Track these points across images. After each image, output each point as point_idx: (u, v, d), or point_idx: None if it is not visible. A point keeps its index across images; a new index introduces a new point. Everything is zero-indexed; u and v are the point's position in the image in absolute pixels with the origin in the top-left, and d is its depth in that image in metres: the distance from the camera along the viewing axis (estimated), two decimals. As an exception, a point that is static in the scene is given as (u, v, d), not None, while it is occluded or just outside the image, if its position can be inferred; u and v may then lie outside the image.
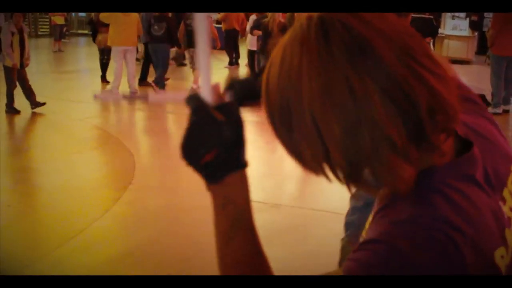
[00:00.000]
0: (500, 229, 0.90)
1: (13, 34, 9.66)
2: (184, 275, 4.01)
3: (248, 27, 14.06)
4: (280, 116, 0.88)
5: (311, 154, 0.87)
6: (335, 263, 4.36)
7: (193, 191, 6.16)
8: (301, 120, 0.84)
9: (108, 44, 12.07)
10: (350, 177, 0.87)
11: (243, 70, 15.66)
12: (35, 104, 9.91)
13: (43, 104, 9.92)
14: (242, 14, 15.79)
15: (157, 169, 7.00)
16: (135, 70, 12.31)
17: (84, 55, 17.50)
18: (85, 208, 5.55)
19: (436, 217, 0.84)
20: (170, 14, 12.43)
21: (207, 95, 0.95)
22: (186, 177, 6.72)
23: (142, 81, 13.07)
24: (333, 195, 5.85)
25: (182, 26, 12.80)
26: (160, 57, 12.41)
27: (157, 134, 9.06)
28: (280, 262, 4.34)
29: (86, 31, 25.46)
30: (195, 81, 12.80)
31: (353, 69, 0.79)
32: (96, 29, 13.62)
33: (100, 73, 13.51)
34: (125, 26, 11.59)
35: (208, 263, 4.37)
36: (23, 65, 9.90)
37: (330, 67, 0.81)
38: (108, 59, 13.23)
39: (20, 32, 9.85)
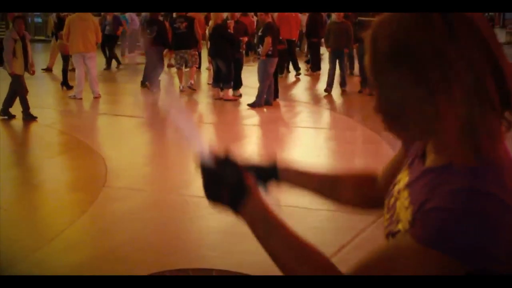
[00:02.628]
0: None
1: (15, 41, 9.60)
2: (168, 269, 4.12)
3: (207, 32, 14.17)
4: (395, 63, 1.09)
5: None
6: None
7: (166, 189, 6.29)
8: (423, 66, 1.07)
9: (69, 52, 12.15)
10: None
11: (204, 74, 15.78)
12: (26, 114, 9.88)
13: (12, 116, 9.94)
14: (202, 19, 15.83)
15: (128, 171, 7.09)
16: (97, 75, 12.39)
17: (42, 60, 17.33)
18: (62, 211, 5.63)
19: (493, 184, 1.04)
20: (161, 18, 12.75)
21: (204, 154, 1.34)
22: (158, 177, 6.85)
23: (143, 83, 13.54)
24: (303, 192, 6.05)
25: (169, 29, 13.15)
26: (154, 58, 12.58)
27: (125, 137, 9.14)
28: (258, 255, 4.52)
29: (43, 37, 25.33)
30: (191, 77, 13.36)
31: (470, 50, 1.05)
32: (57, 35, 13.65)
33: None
34: (82, 32, 11.67)
35: (187, 256, 4.54)
36: (29, 72, 9.88)
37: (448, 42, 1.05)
38: (67, 65, 13.27)
39: (23, 39, 9.81)
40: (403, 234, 1.11)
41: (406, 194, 1.21)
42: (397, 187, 1.28)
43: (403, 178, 1.28)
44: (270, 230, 1.24)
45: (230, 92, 12.42)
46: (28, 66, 9.85)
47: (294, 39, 16.21)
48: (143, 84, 13.47)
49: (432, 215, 1.06)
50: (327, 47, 13.68)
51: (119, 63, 17.99)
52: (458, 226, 1.02)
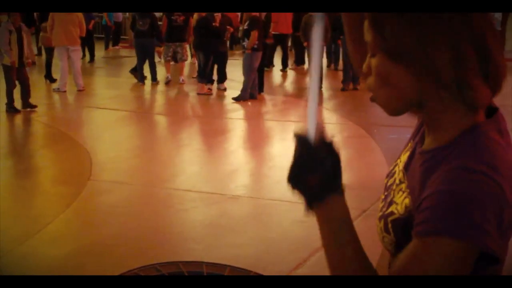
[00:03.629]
0: None
1: (10, 32, 9.55)
2: (154, 263, 4.13)
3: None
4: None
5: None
6: (296, 249, 4.60)
7: (151, 183, 6.30)
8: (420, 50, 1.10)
9: (53, 44, 12.09)
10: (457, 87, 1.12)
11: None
12: (27, 104, 9.89)
13: (35, 106, 9.94)
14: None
15: (113, 164, 7.08)
16: (81, 68, 12.37)
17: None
18: (47, 204, 5.61)
19: (483, 163, 1.07)
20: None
21: (312, 131, 1.14)
22: (143, 170, 6.85)
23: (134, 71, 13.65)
24: (288, 186, 6.07)
25: (165, 21, 13.11)
26: (146, 51, 12.98)
27: (109, 129, 9.13)
28: (243, 249, 4.56)
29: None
30: (180, 73, 13.46)
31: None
32: (39, 29, 13.54)
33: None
34: (65, 25, 11.61)
35: (172, 249, 4.55)
36: (23, 64, 9.84)
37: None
38: (51, 58, 13.20)
39: (18, 31, 9.75)
40: (414, 237, 1.10)
41: (402, 176, 1.24)
42: (396, 168, 1.31)
43: (403, 159, 1.30)
44: (345, 235, 1.14)
45: (212, 86, 12.51)
46: (23, 58, 9.80)
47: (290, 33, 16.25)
48: (132, 73, 13.56)
49: (427, 202, 1.08)
50: (303, 41, 13.73)
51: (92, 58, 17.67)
52: (453, 207, 1.04)
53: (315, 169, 1.12)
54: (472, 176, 1.06)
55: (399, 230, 1.18)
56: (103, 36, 20.86)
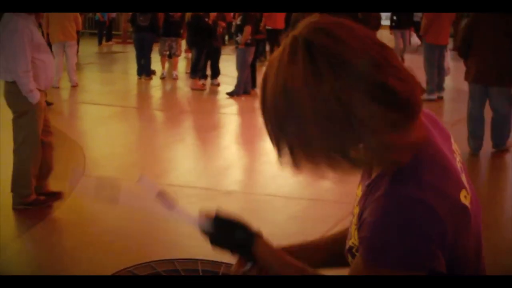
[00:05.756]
0: (458, 176, 1.17)
1: None
2: (149, 260, 4.12)
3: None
4: (276, 121, 1.15)
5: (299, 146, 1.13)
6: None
7: (151, 177, 6.25)
8: (295, 124, 1.09)
9: (51, 41, 12.01)
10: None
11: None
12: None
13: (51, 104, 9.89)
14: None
15: (107, 160, 7.06)
16: (76, 64, 12.30)
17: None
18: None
19: (413, 184, 1.08)
20: None
21: (204, 224, 1.51)
22: (137, 166, 6.83)
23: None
24: (283, 181, 6.06)
25: (162, 15, 13.14)
26: (145, 45, 12.96)
27: (103, 125, 9.09)
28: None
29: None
30: (174, 68, 13.42)
31: (338, 82, 1.03)
32: None
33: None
34: (61, 21, 11.54)
35: (166, 246, 4.53)
36: None
37: (318, 85, 1.04)
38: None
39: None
40: (357, 256, 1.15)
41: (356, 211, 1.25)
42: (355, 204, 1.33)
43: (358, 193, 1.32)
44: (280, 264, 1.41)
45: (205, 81, 12.49)
46: None
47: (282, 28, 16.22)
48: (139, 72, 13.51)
49: (363, 232, 1.12)
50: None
51: None
52: (383, 237, 1.07)
53: (230, 244, 1.46)
54: (398, 202, 1.08)
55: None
56: (96, 31, 20.79)
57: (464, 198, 1.13)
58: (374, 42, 1.08)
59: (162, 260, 2.13)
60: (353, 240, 1.22)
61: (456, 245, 1.10)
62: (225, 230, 1.44)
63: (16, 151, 5.20)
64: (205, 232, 1.46)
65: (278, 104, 1.09)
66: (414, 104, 1.08)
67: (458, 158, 1.23)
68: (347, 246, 1.26)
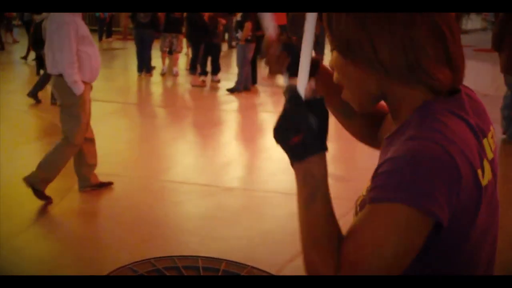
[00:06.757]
0: (480, 159, 1.14)
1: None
2: (149, 256, 4.12)
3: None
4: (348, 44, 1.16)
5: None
6: (290, 240, 4.58)
7: (144, 175, 6.27)
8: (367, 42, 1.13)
9: None
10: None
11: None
12: (33, 95, 10.02)
13: (39, 101, 10.06)
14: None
15: (107, 157, 7.02)
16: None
17: (22, 47, 17.18)
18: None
19: (433, 131, 1.08)
20: None
21: (302, 89, 1.17)
22: (137, 163, 6.82)
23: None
24: (282, 177, 6.06)
25: (163, 12, 13.16)
26: (146, 42, 13.00)
27: (102, 121, 9.06)
28: (239, 241, 4.55)
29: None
30: (174, 64, 13.40)
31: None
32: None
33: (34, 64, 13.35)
34: None
35: (167, 242, 4.53)
36: None
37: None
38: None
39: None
40: (367, 202, 1.11)
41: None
42: None
43: None
44: (319, 192, 1.14)
45: (206, 78, 12.46)
46: None
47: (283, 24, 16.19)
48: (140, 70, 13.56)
49: (380, 169, 1.09)
50: (291, 34, 13.70)
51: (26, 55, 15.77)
52: (399, 171, 1.05)
53: (299, 127, 1.14)
54: (421, 142, 1.06)
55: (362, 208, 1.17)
56: (96, 28, 20.77)
57: (481, 176, 1.12)
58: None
59: (162, 257, 2.11)
60: (363, 192, 1.21)
61: (461, 213, 1.08)
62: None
63: (62, 141, 5.45)
64: (291, 97, 1.17)
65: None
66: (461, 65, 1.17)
67: (488, 149, 1.21)
68: (358, 200, 1.25)
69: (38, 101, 10.02)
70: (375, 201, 1.06)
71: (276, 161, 6.60)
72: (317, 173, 1.15)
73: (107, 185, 5.71)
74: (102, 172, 5.77)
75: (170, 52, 13.39)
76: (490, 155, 1.20)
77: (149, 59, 13.25)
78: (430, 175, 1.03)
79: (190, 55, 13.21)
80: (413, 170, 1.03)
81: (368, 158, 7.00)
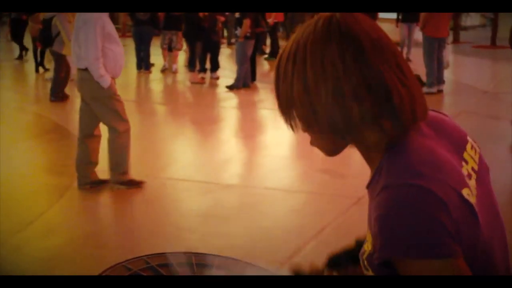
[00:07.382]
0: (463, 178, 1.16)
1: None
2: (152, 253, 4.11)
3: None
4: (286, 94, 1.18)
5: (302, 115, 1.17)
6: (291, 238, 4.59)
7: (143, 173, 6.26)
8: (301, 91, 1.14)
9: None
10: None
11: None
12: (55, 96, 10.01)
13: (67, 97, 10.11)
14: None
15: (106, 154, 7.03)
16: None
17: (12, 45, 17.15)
18: (39, 195, 5.58)
19: (405, 174, 1.09)
20: None
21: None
22: (135, 160, 6.81)
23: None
24: (282, 174, 6.06)
25: None
26: (145, 39, 13.03)
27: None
28: (238, 238, 4.54)
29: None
30: (174, 61, 13.40)
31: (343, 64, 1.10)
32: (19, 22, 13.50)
33: (32, 62, 13.32)
34: (65, 15, 11.50)
35: (166, 239, 4.53)
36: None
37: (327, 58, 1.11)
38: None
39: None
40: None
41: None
42: None
43: None
44: None
45: (205, 75, 12.47)
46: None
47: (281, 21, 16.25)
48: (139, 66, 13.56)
49: (372, 228, 1.12)
50: (289, 31, 13.72)
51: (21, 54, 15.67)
52: (390, 228, 1.06)
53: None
54: (396, 191, 1.07)
55: (372, 264, 1.18)
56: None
57: (467, 195, 1.12)
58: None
59: (156, 254, 2.11)
60: (366, 245, 1.22)
61: (462, 234, 1.08)
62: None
63: (110, 134, 5.59)
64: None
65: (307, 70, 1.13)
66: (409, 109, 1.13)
67: (469, 165, 1.22)
68: (362, 250, 1.26)
69: (66, 98, 10.07)
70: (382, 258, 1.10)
71: (275, 158, 6.61)
72: None
73: (106, 182, 5.69)
74: (100, 169, 5.76)
75: (170, 49, 13.39)
76: (475, 166, 1.22)
77: (148, 56, 13.26)
78: (423, 221, 1.04)
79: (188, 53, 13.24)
80: (405, 224, 1.04)
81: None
